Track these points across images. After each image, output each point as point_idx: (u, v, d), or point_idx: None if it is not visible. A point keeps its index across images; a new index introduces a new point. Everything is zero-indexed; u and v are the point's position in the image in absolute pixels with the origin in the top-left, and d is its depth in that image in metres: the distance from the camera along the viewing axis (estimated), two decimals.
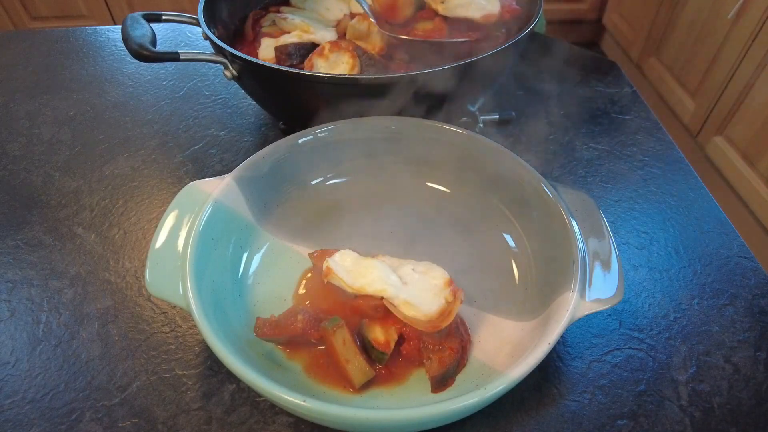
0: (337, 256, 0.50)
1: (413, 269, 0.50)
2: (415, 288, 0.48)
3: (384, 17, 0.71)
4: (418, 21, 0.70)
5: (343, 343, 0.45)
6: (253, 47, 0.74)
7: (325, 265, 0.49)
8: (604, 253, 0.48)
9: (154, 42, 0.63)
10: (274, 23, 0.76)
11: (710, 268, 0.58)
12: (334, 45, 0.66)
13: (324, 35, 0.71)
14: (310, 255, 0.54)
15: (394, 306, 0.47)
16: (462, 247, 0.57)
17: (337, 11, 0.77)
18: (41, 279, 0.58)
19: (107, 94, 0.85)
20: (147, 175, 0.71)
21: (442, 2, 0.70)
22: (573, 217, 0.50)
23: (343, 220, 0.60)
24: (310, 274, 0.55)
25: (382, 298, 0.47)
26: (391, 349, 0.46)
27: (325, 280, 0.49)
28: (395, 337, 0.46)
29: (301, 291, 0.54)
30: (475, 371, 0.47)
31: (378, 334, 0.46)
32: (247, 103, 0.82)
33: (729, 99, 1.68)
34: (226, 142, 0.75)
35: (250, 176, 0.55)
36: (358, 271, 0.49)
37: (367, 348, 0.46)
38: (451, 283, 0.48)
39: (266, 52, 0.71)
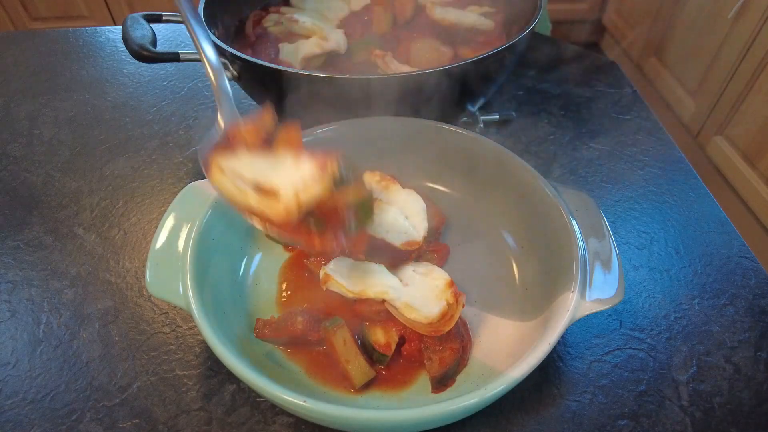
0: (332, 264, 0.50)
1: (414, 270, 0.50)
2: (416, 290, 0.48)
3: None
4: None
5: (343, 343, 0.45)
6: (257, 48, 0.74)
7: (322, 272, 0.49)
8: (605, 253, 0.48)
9: (154, 42, 0.63)
10: (280, 23, 0.76)
11: (711, 268, 0.58)
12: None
13: (338, 41, 0.71)
14: (306, 261, 0.54)
15: (396, 309, 0.47)
16: (462, 247, 0.57)
17: (338, 10, 0.78)
18: (42, 280, 0.58)
19: (107, 94, 0.85)
20: (147, 175, 0.71)
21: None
22: (573, 217, 0.50)
23: None
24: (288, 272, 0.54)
25: (384, 301, 0.47)
26: (392, 350, 0.46)
27: (324, 288, 0.49)
28: (396, 339, 0.46)
29: (284, 294, 0.53)
30: (475, 371, 0.47)
31: (379, 337, 0.46)
32: (247, 104, 0.82)
33: (729, 99, 1.68)
34: None
35: None
36: (357, 275, 0.49)
37: (368, 350, 0.46)
38: (452, 284, 0.48)
39: (289, 58, 0.70)
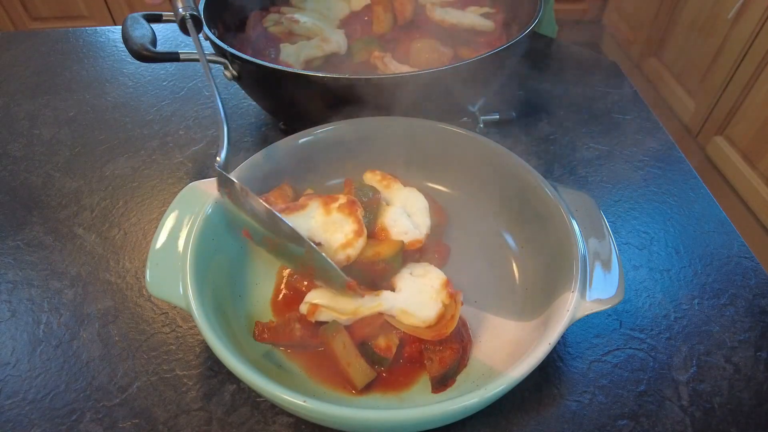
0: (313, 294, 0.48)
1: (411, 273, 0.50)
2: (411, 294, 0.47)
3: None
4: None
5: (343, 346, 0.45)
6: (257, 48, 0.74)
7: (304, 306, 0.47)
8: (605, 253, 0.48)
9: (154, 42, 0.63)
10: (280, 23, 0.76)
11: (711, 268, 0.58)
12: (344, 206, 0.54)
13: (339, 41, 0.72)
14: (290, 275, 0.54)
15: (394, 318, 0.46)
16: (462, 247, 0.57)
17: (338, 10, 0.78)
18: (42, 280, 0.58)
19: (107, 94, 0.86)
20: (147, 175, 0.71)
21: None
22: (573, 217, 0.50)
23: None
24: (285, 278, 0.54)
25: (381, 313, 0.47)
26: (393, 353, 0.46)
27: (313, 320, 0.47)
28: (396, 341, 0.46)
29: (283, 295, 0.52)
30: (475, 371, 0.47)
31: (380, 340, 0.46)
32: (247, 104, 0.82)
33: (729, 99, 1.68)
34: None
35: (250, 176, 0.55)
36: (343, 297, 0.47)
37: (369, 353, 0.46)
38: (448, 284, 0.48)
39: (289, 59, 0.70)
